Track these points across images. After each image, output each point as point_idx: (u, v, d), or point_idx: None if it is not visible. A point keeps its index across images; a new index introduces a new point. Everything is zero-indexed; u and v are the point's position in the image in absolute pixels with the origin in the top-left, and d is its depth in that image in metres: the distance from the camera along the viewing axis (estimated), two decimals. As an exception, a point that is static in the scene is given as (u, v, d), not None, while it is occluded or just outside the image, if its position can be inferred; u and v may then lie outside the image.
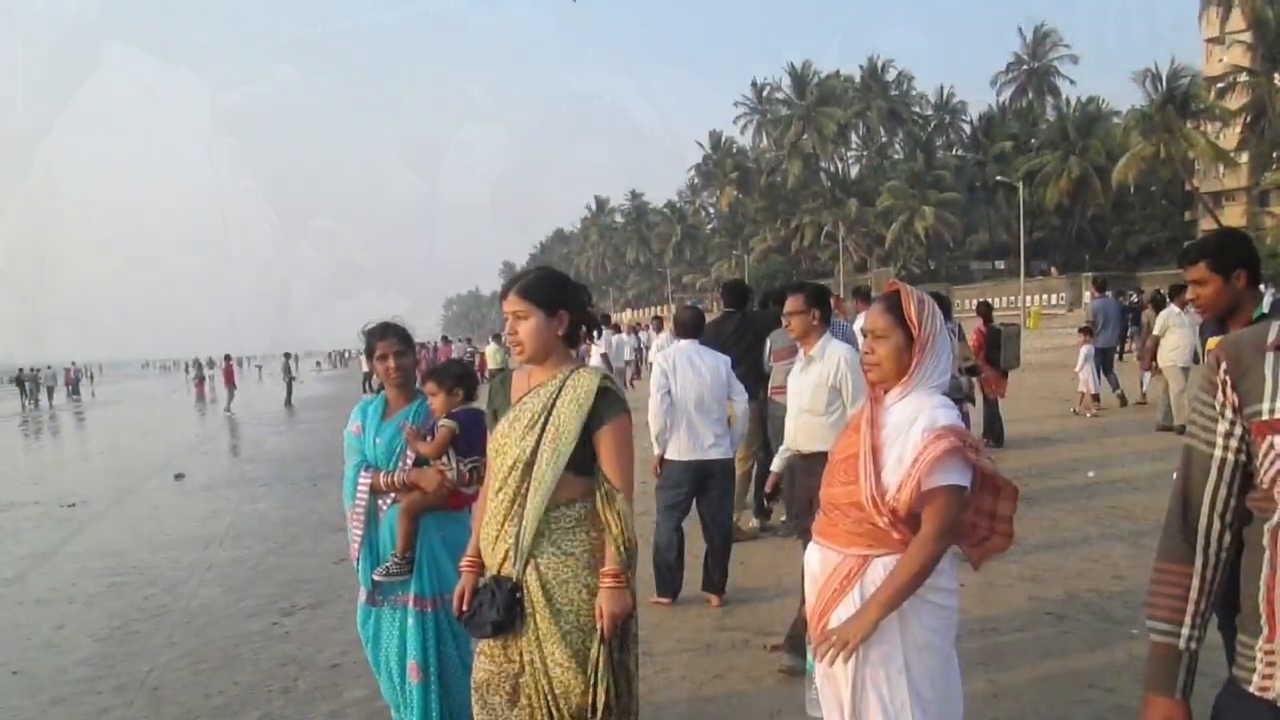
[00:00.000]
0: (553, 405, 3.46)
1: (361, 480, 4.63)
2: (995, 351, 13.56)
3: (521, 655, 3.45)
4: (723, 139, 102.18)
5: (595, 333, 3.75)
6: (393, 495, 4.63)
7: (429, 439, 4.60)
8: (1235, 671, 2.20)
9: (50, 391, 52.32)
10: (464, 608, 3.55)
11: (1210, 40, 61.15)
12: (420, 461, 4.61)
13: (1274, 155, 55.08)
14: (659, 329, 24.74)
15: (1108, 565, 7.58)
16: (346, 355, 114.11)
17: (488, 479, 3.65)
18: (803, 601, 3.59)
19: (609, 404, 3.47)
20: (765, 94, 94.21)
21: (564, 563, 3.43)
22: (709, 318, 8.61)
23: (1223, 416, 2.21)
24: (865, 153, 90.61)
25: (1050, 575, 7.40)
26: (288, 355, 39.19)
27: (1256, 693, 2.13)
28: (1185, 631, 2.25)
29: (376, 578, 4.62)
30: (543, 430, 3.44)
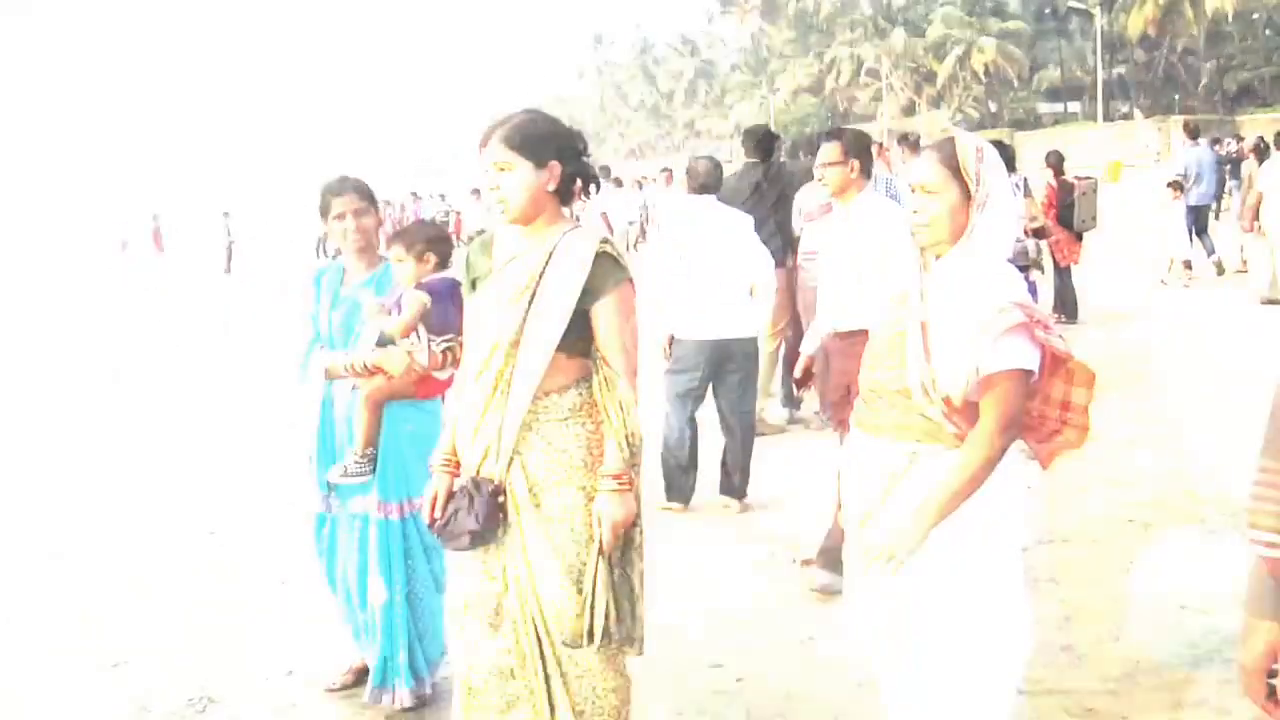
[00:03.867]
0: (542, 274, 3.41)
1: (314, 363, 4.61)
2: (1068, 210, 13.44)
3: (505, 571, 3.46)
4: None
5: (593, 187, 3.68)
6: (352, 381, 4.61)
7: (394, 314, 4.56)
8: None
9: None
10: (436, 515, 3.55)
11: None
12: (384, 341, 4.58)
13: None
14: (668, 183, 24.60)
15: (1202, 464, 7.58)
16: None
17: (465, 361, 3.62)
18: (839, 507, 3.59)
19: (609, 272, 3.42)
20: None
21: (555, 461, 3.42)
22: (728, 170, 8.52)
23: None
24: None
25: (1134, 476, 7.42)
26: (226, 215, 39.01)
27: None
28: (1295, 544, 2.21)
29: (332, 479, 4.62)
30: (530, 303, 3.40)
